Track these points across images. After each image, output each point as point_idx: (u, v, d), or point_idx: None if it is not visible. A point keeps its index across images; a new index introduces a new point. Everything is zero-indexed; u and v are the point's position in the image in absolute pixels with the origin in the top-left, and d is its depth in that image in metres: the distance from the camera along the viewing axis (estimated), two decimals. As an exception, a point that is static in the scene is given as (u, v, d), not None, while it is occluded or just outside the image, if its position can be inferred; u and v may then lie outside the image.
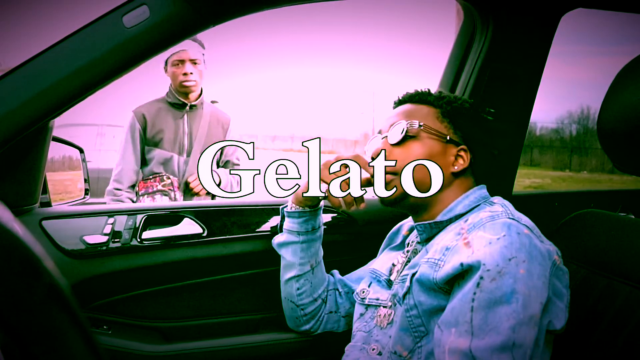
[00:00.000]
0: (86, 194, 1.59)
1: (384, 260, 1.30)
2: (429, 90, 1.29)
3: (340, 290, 1.43)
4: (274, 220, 1.52)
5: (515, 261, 0.96)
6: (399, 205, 1.22)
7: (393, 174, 1.18)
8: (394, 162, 1.18)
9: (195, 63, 2.56)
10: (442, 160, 1.18)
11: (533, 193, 1.91)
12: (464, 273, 0.99)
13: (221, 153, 2.75)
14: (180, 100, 2.60)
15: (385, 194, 1.18)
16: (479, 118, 1.24)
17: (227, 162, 2.79)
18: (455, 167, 1.19)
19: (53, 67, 1.09)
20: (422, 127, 1.20)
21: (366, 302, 1.24)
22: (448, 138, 1.20)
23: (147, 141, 2.56)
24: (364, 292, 1.26)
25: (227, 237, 1.48)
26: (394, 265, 1.26)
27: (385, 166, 1.16)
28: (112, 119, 8.23)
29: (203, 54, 2.62)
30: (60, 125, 7.16)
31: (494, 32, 1.51)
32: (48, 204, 1.42)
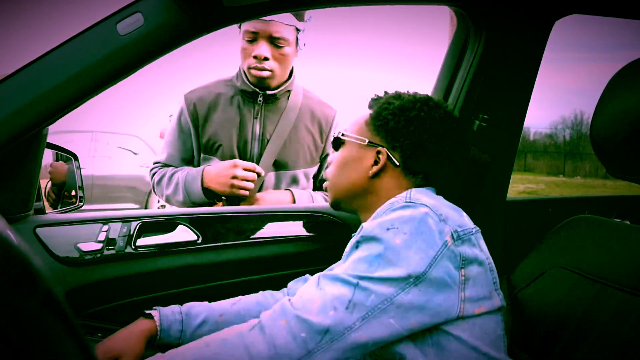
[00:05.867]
0: (80, 201, 1.58)
1: None
2: (383, 94, 1.29)
3: None
4: (269, 227, 1.52)
5: (394, 231, 0.98)
6: (342, 210, 1.30)
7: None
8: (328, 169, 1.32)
9: (277, 44, 1.80)
10: (361, 165, 1.21)
11: (527, 199, 1.91)
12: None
13: (320, 167, 1.99)
14: (250, 87, 1.87)
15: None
16: (410, 120, 1.18)
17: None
18: (370, 172, 1.19)
19: (47, 74, 1.09)
20: (343, 135, 1.27)
21: None
22: (367, 142, 1.21)
23: (201, 144, 1.89)
24: None
25: (222, 244, 1.47)
26: None
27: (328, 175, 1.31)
28: (106, 126, 8.22)
29: (299, 30, 1.85)
30: (55, 132, 7.14)
31: (487, 39, 1.52)
32: (42, 211, 1.41)
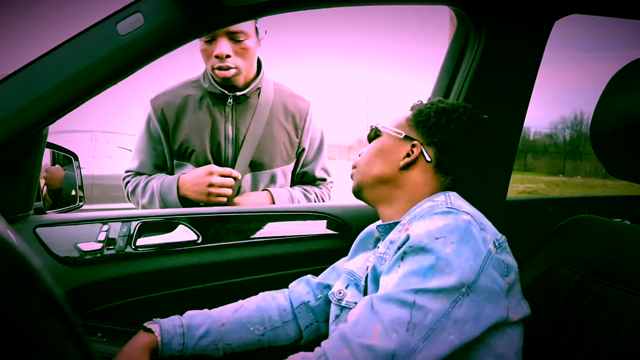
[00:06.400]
0: (80, 201, 1.58)
1: (360, 263, 1.29)
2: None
3: (312, 299, 1.35)
4: (269, 227, 1.52)
5: (443, 240, 0.97)
6: (362, 199, 1.29)
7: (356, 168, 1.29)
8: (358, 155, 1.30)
9: (236, 39, 1.73)
10: (393, 155, 1.23)
11: (527, 199, 1.91)
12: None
13: (296, 162, 1.95)
14: (218, 90, 1.81)
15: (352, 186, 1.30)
16: (451, 121, 1.21)
17: (304, 174, 1.99)
18: (401, 163, 1.20)
19: (47, 74, 1.09)
20: (382, 126, 1.29)
21: (343, 303, 1.22)
22: (403, 135, 1.23)
23: (173, 150, 1.84)
24: (340, 293, 1.24)
25: (222, 244, 1.47)
26: (367, 267, 1.25)
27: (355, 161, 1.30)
28: (106, 126, 8.22)
29: (256, 19, 1.78)
30: (55, 132, 7.14)
31: (487, 38, 1.52)
32: (42, 211, 1.41)
